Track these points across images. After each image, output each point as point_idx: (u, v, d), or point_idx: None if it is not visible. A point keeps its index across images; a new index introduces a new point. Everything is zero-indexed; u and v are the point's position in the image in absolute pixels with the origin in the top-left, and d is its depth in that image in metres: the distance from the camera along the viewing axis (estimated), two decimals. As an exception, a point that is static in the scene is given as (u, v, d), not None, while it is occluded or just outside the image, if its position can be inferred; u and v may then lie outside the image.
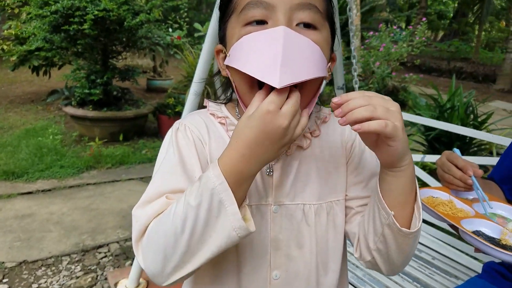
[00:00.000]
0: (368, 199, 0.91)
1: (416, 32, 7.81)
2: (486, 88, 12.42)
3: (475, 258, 1.91)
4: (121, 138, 5.14)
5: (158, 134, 5.65)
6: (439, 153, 4.25)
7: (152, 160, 4.67)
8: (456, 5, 20.07)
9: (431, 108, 4.59)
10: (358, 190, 0.94)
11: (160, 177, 0.83)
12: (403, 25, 20.10)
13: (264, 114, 0.69)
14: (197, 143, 0.87)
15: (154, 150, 4.99)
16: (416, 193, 0.80)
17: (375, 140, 0.76)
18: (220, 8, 0.89)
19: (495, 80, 13.07)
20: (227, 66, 0.83)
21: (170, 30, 6.33)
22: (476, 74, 14.43)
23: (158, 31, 5.36)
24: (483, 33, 18.76)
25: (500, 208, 1.25)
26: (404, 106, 7.83)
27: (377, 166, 0.94)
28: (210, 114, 0.93)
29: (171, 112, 5.34)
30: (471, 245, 1.11)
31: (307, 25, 0.79)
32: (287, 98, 0.71)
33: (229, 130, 0.89)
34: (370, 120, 0.70)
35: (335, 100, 0.72)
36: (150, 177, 0.87)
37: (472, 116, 4.23)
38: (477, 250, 1.09)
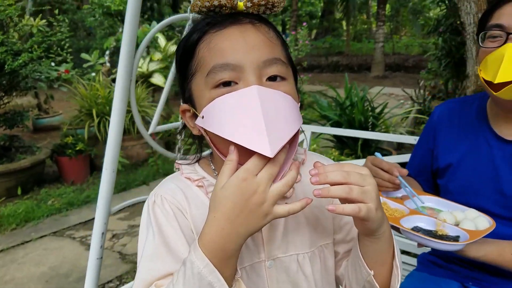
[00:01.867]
0: (352, 243, 0.92)
1: (299, 37, 8.29)
2: (363, 76, 13.62)
3: (408, 253, 2.05)
4: (19, 191, 4.57)
5: (60, 178, 5.14)
6: (347, 146, 4.54)
7: (61, 210, 4.23)
8: (322, 4, 21.73)
9: (333, 107, 4.91)
10: (343, 233, 0.96)
11: (145, 265, 0.79)
12: (280, 28, 21.16)
13: (239, 182, 0.68)
14: (177, 214, 0.83)
15: (62, 198, 4.52)
16: (394, 253, 0.83)
17: None
18: (179, 69, 0.86)
19: (369, 68, 14.41)
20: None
21: (53, 64, 5.84)
22: (351, 65, 15.77)
23: (41, 67, 4.90)
24: (350, 27, 20.56)
25: (427, 200, 1.37)
26: (301, 107, 8.25)
27: None
28: (186, 178, 0.89)
29: (71, 151, 4.87)
30: (412, 241, 1.18)
31: (274, 77, 0.78)
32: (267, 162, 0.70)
33: (209, 192, 0.85)
34: (345, 200, 0.71)
35: (312, 172, 0.72)
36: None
37: (369, 108, 4.62)
38: (420, 245, 1.17)
